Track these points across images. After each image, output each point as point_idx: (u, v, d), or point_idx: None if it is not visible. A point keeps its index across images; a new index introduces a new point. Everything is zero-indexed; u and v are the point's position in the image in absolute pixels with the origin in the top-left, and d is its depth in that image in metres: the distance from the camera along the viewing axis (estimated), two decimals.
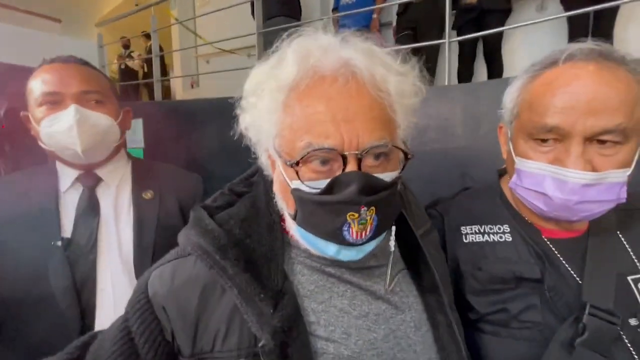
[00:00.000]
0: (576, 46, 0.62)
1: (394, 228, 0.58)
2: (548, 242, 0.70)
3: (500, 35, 2.62)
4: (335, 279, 0.55)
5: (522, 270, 0.67)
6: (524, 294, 0.66)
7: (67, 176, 0.91)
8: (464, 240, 0.74)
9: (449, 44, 1.48)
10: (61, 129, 0.83)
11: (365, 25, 3.17)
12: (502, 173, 0.82)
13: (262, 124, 0.52)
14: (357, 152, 0.46)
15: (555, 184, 0.61)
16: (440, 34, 2.87)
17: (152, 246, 0.90)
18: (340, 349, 0.50)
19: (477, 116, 0.89)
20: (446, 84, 1.51)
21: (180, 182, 1.03)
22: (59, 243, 0.83)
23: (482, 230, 0.73)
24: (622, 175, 0.59)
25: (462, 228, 0.75)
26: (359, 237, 0.47)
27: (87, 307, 0.82)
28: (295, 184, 0.49)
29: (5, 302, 0.77)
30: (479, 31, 2.29)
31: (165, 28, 4.46)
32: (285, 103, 0.49)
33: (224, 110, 0.57)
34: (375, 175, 0.48)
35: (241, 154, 0.58)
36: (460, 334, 0.60)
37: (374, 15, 3.13)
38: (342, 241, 0.48)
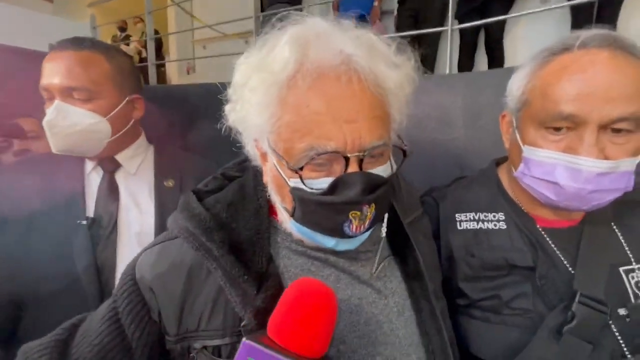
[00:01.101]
0: (590, 32, 0.61)
1: (386, 215, 0.59)
2: (542, 231, 0.70)
3: (502, 25, 2.59)
4: (320, 262, 0.56)
5: (515, 257, 0.67)
6: (515, 282, 0.67)
7: (89, 159, 0.92)
8: (458, 227, 0.74)
9: (452, 32, 1.46)
10: (45, 126, 0.83)
11: (366, 13, 3.12)
12: (499, 162, 0.82)
13: (252, 117, 0.50)
14: (359, 153, 0.46)
15: (568, 173, 0.60)
16: (441, 23, 2.84)
17: None
18: None
19: (477, 106, 0.88)
20: (447, 72, 1.50)
21: (200, 172, 1.02)
22: (84, 222, 0.85)
23: (476, 218, 0.74)
24: (632, 163, 0.60)
25: (457, 215, 0.75)
26: (358, 231, 0.48)
27: (106, 287, 0.83)
28: (295, 182, 0.48)
29: (31, 277, 0.79)
30: (481, 20, 2.25)
31: (161, 9, 4.35)
32: (282, 98, 0.47)
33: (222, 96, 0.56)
34: (373, 172, 0.48)
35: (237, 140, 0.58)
36: (445, 320, 0.61)
37: (375, 3, 3.07)
38: (342, 235, 0.48)
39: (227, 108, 0.55)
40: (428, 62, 2.91)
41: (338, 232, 0.48)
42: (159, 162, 0.99)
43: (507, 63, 2.63)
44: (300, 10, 3.15)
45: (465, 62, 2.81)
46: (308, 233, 0.51)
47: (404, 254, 0.62)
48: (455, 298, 0.72)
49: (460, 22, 2.67)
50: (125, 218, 0.89)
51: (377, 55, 0.49)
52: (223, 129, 0.55)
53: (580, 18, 2.22)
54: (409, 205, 0.65)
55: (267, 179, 0.55)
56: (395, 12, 3.10)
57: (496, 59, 2.66)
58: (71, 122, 0.83)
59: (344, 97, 0.45)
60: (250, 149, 0.57)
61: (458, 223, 0.74)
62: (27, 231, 0.81)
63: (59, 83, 0.82)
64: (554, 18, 2.40)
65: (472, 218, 0.74)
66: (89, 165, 0.92)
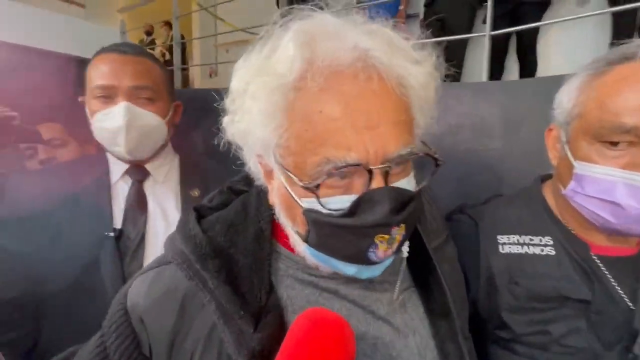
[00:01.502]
0: None
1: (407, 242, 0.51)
2: (597, 259, 0.63)
3: (536, 31, 2.47)
4: (330, 294, 0.49)
5: (567, 288, 0.61)
6: (568, 315, 0.61)
7: (117, 168, 0.90)
8: (501, 251, 0.68)
9: (489, 37, 1.39)
10: (110, 127, 0.82)
11: (391, 17, 3.07)
12: (543, 179, 0.76)
13: (254, 129, 0.43)
14: (384, 165, 0.39)
15: (631, 192, 0.54)
16: (469, 27, 2.76)
17: None
18: None
19: (518, 116, 0.81)
20: (484, 80, 1.43)
21: (224, 181, 1.01)
22: (112, 234, 0.82)
23: (520, 241, 0.67)
24: None
25: (499, 237, 0.69)
26: (385, 256, 0.42)
27: None
28: (308, 202, 0.41)
29: (54, 288, 0.77)
30: (512, 25, 2.16)
31: (187, 14, 4.45)
32: (288, 104, 0.40)
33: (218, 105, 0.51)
34: (400, 185, 0.41)
35: None
36: None
37: (401, 7, 3.03)
38: (365, 262, 0.42)
39: (225, 120, 0.47)
40: (453, 69, 2.82)
41: (361, 258, 0.41)
42: (185, 171, 0.97)
43: (540, 70, 2.51)
44: None
45: (495, 69, 2.71)
46: (325, 259, 0.44)
47: (427, 285, 0.54)
48: (496, 329, 0.66)
49: (491, 27, 2.58)
50: (153, 230, 0.87)
51: (398, 51, 0.42)
52: (221, 144, 0.48)
53: (622, 25, 2.10)
54: (433, 227, 0.57)
55: (274, 199, 0.48)
56: (422, 16, 3.03)
57: (529, 65, 2.54)
58: (143, 123, 0.84)
59: (364, 98, 0.38)
60: (253, 166, 0.50)
61: (500, 246, 0.68)
62: (52, 241, 0.79)
63: (127, 83, 0.82)
64: (591, 23, 2.28)
65: (516, 241, 0.68)
66: (116, 173, 0.90)
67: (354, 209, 0.39)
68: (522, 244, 0.67)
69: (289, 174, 0.42)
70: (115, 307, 0.50)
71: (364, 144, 0.38)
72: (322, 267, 0.48)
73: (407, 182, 0.43)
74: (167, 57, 5.47)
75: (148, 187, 0.91)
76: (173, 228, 0.85)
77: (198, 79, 5.43)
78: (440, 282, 0.52)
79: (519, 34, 2.53)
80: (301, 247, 0.46)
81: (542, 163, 0.70)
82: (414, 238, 0.53)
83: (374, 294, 0.50)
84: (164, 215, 0.89)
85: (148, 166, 0.91)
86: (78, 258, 0.78)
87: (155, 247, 0.86)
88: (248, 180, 0.56)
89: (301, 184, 0.40)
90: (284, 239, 0.50)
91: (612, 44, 2.14)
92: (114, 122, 0.81)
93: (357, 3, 3.24)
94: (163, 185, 0.93)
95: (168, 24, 5.61)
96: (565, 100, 0.64)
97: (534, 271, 0.64)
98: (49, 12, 3.52)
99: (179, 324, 0.45)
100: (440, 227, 0.60)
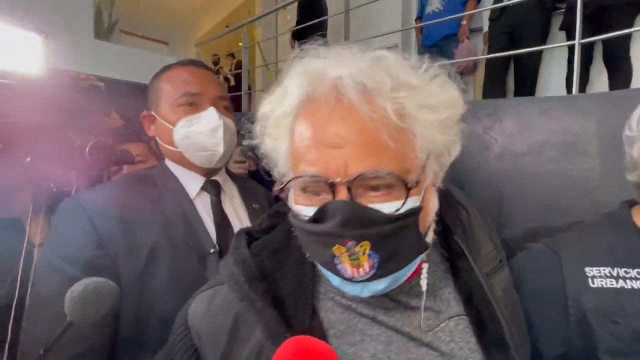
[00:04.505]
0: None
1: (426, 265, 0.50)
2: None
3: (627, 35, 2.19)
4: (368, 319, 0.49)
5: None
6: None
7: (193, 182, 0.87)
8: (591, 285, 0.61)
9: (579, 46, 1.25)
10: (203, 129, 0.83)
11: (452, 33, 2.98)
12: (631, 204, 0.68)
13: (274, 151, 0.51)
14: (344, 179, 0.41)
15: None
16: (542, 38, 2.55)
17: None
18: None
19: (618, 132, 0.69)
20: (575, 92, 1.29)
21: (263, 195, 1.04)
22: (212, 250, 0.79)
23: (614, 274, 0.61)
24: None
25: (587, 269, 0.62)
26: (355, 274, 0.42)
27: None
28: (296, 209, 0.47)
29: (153, 312, 0.72)
30: (593, 31, 1.93)
31: (251, 46, 4.84)
32: (290, 129, 0.47)
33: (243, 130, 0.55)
34: (371, 206, 0.41)
35: None
36: None
37: (463, 22, 2.92)
38: (339, 274, 0.44)
39: (255, 143, 0.54)
40: (525, 83, 2.61)
41: (333, 269, 0.44)
42: (239, 185, 0.98)
43: (635, 81, 2.19)
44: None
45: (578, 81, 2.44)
46: (319, 265, 0.48)
47: (479, 313, 0.50)
48: None
49: (568, 34, 2.34)
50: None
51: (384, 74, 0.43)
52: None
53: None
54: (487, 251, 0.55)
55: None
56: (485, 29, 2.88)
57: (621, 75, 2.22)
58: (229, 127, 0.86)
59: (330, 121, 0.42)
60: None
61: (590, 279, 0.62)
62: (149, 263, 0.74)
63: (213, 92, 0.87)
64: None
65: (608, 274, 0.61)
66: (193, 189, 0.87)
67: (316, 217, 0.43)
68: (617, 277, 0.61)
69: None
70: (178, 322, 0.55)
71: (325, 161, 0.42)
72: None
73: (386, 206, 0.42)
74: (232, 83, 5.98)
75: (225, 202, 0.90)
76: None
77: (260, 102, 5.79)
78: (492, 309, 0.49)
79: (606, 41, 2.26)
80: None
81: None
82: (464, 264, 0.52)
83: (415, 320, 0.49)
84: None
85: (218, 179, 0.91)
86: (180, 284, 0.72)
87: None
88: None
89: (276, 189, 0.47)
90: None
91: None
92: (209, 123, 0.83)
93: (417, 22, 3.24)
94: (234, 200, 0.94)
95: (231, 55, 6.21)
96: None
97: (635, 308, 0.58)
98: (139, 51, 4.08)
99: (230, 342, 0.48)
100: (495, 251, 0.58)
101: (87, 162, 0.75)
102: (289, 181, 0.45)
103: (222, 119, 0.84)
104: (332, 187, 0.42)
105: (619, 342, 0.57)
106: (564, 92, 2.31)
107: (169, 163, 0.90)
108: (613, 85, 2.27)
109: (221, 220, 0.85)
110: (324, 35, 3.56)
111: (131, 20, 6.63)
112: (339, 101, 0.42)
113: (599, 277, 0.61)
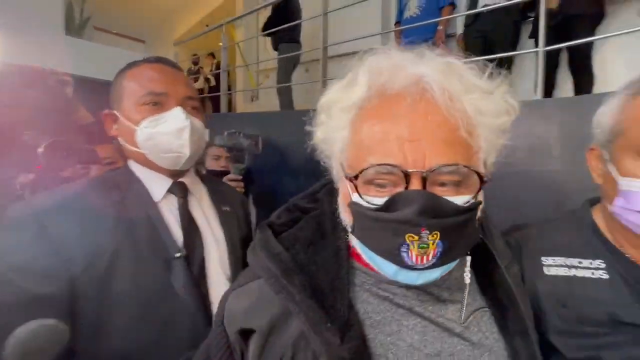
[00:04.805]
0: None
1: (469, 259, 0.53)
2: None
3: (590, 44, 2.31)
4: (405, 310, 0.51)
5: (624, 314, 0.59)
6: (622, 342, 0.59)
7: (158, 185, 0.83)
8: (545, 273, 0.67)
9: (543, 53, 1.31)
10: (168, 129, 0.79)
11: (429, 37, 3.05)
12: (592, 203, 0.73)
13: (332, 140, 0.52)
14: (421, 170, 0.43)
15: None
16: (513, 44, 2.66)
17: (241, 260, 0.86)
18: None
19: (580, 135, 0.73)
20: (539, 97, 1.34)
21: (236, 198, 1.03)
22: (178, 254, 0.76)
23: (567, 264, 0.66)
24: None
25: (543, 259, 0.68)
26: (419, 262, 0.44)
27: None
28: (354, 197, 0.47)
29: (129, 317, 0.69)
30: (560, 39, 2.03)
31: (231, 46, 4.77)
32: (352, 121, 0.49)
33: (286, 122, 0.55)
34: (445, 197, 0.43)
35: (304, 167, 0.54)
36: None
37: (440, 27, 3.00)
38: (400, 262, 0.44)
39: (313, 131, 0.56)
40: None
41: (396, 257, 0.44)
42: (209, 188, 0.94)
43: (598, 86, 2.32)
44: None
45: (545, 85, 2.55)
46: (369, 254, 0.48)
47: (501, 304, 0.54)
48: (546, 355, 0.61)
49: (537, 42, 2.44)
50: (207, 247, 0.83)
51: (453, 74, 0.46)
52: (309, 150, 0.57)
53: None
54: (500, 248, 0.59)
55: (340, 198, 0.54)
56: (459, 33, 2.97)
57: (584, 80, 2.36)
58: (197, 127, 0.82)
59: (409, 115, 0.44)
60: (335, 173, 0.56)
61: (545, 268, 0.67)
62: (110, 268, 0.70)
63: (181, 91, 0.82)
64: None
65: (562, 263, 0.67)
66: (158, 191, 0.82)
67: (387, 205, 0.44)
68: (570, 267, 0.66)
69: (345, 172, 0.50)
70: (215, 323, 0.56)
71: (404, 153, 0.43)
72: (373, 267, 0.51)
73: (457, 199, 0.44)
74: (212, 83, 5.87)
75: (192, 205, 0.86)
76: (221, 245, 0.85)
77: (241, 104, 5.72)
78: (514, 300, 0.53)
79: (571, 49, 2.39)
80: (355, 243, 0.51)
81: None
82: (484, 259, 0.55)
83: (448, 312, 0.52)
84: (212, 232, 0.86)
85: (185, 180, 0.87)
86: (149, 285, 0.70)
87: (214, 266, 0.82)
88: (312, 198, 0.62)
89: (344, 173, 0.49)
90: (359, 256, 0.53)
91: None
92: (175, 124, 0.79)
93: (396, 26, 3.29)
94: (203, 203, 0.90)
95: (212, 55, 6.10)
96: (605, 120, 0.65)
97: (585, 294, 0.63)
98: (114, 49, 3.96)
99: (269, 330, 0.49)
100: (505, 248, 0.62)
101: (42, 163, 0.69)
102: (362, 170, 0.45)
103: (189, 119, 0.80)
104: (407, 177, 0.43)
105: (565, 323, 0.62)
106: (533, 96, 2.42)
107: (133, 164, 0.85)
108: (578, 90, 2.40)
109: (188, 223, 0.82)
110: (296, 35, 3.55)
111: (106, 17, 6.42)
112: (422, 96, 0.44)
113: (554, 265, 0.67)
